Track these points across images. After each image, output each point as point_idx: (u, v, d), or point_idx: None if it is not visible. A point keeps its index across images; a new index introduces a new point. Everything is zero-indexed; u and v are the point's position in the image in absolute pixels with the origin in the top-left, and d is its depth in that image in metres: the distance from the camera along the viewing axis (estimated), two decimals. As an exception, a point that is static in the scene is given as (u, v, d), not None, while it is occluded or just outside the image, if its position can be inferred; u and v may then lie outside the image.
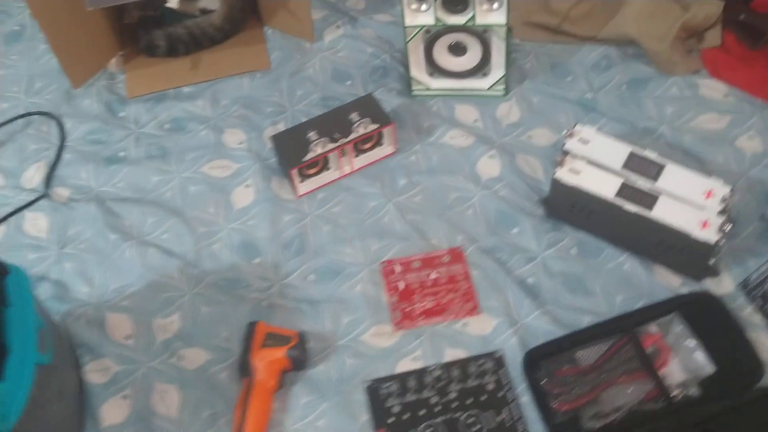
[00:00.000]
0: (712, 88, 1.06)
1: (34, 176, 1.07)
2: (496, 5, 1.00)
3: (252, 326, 0.87)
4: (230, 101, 1.14)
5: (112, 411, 0.85)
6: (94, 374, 0.88)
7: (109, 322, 0.92)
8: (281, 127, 1.10)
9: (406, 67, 1.13)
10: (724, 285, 0.89)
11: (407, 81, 1.13)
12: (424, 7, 1.02)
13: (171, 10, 1.17)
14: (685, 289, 0.89)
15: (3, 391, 0.67)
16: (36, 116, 1.14)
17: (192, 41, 1.17)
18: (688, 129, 1.03)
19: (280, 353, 0.85)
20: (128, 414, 0.84)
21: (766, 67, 1.04)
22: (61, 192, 1.05)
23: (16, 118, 1.14)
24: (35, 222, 1.02)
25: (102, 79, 1.18)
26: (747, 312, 0.87)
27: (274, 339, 0.86)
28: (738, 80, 1.05)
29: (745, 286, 0.88)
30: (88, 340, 0.90)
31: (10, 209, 1.03)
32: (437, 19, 1.02)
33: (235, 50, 1.20)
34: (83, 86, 1.17)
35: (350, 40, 1.20)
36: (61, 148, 1.10)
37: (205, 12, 1.19)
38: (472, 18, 1.01)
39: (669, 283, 0.90)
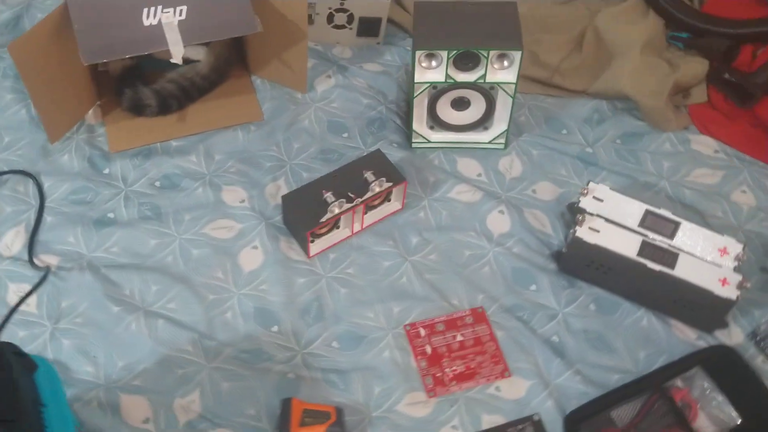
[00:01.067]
0: (703, 143, 1.13)
1: (13, 242, 0.98)
2: (506, 63, 1.02)
3: (288, 403, 0.83)
4: (225, 156, 1.10)
5: None
6: (111, 464, 0.81)
7: (124, 405, 0.85)
8: (282, 183, 1.07)
9: (402, 118, 1.13)
10: (734, 336, 0.95)
11: (405, 133, 1.13)
12: (434, 63, 1.02)
13: (149, 57, 1.10)
14: (702, 342, 0.94)
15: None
16: (9, 175, 1.05)
17: (183, 95, 1.11)
18: (685, 183, 1.09)
19: (320, 431, 0.82)
20: None
21: (751, 124, 1.12)
22: (47, 260, 0.97)
23: (-15, 177, 1.04)
24: (21, 295, 0.93)
25: (81, 133, 1.10)
26: (759, 361, 0.93)
27: (312, 416, 0.83)
28: (725, 137, 1.12)
29: (754, 336, 0.94)
30: (102, 427, 0.83)
31: (-11, 281, 0.94)
32: (447, 76, 1.03)
33: (224, 101, 1.15)
34: (60, 141, 1.09)
35: (343, 91, 1.19)
36: (41, 210, 1.01)
37: (188, 62, 1.14)
38: (483, 76, 1.03)
39: (686, 336, 0.95)
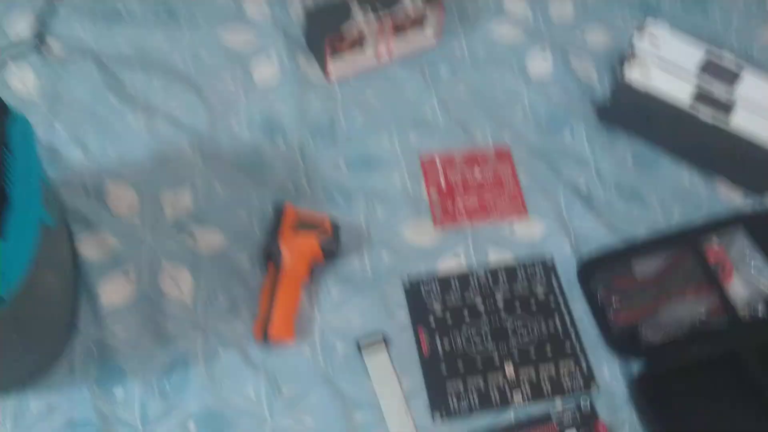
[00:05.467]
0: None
1: (20, 27, 0.94)
2: None
3: (280, 208, 0.78)
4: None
5: (112, 290, 0.75)
6: (90, 248, 0.77)
7: (110, 192, 0.81)
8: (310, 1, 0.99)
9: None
10: (786, 202, 0.85)
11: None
12: None
13: None
14: (747, 205, 0.85)
15: (4, 248, 0.57)
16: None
17: None
18: (754, 43, 0.97)
19: (312, 241, 0.77)
20: (132, 295, 0.75)
21: None
22: (53, 46, 0.92)
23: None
24: (22, 77, 0.89)
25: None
26: (812, 233, 0.83)
27: (306, 225, 0.78)
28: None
29: (810, 207, 0.84)
30: (85, 210, 0.79)
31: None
32: None
33: None
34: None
35: None
36: (52, -1, 0.96)
37: None
38: None
39: (730, 198, 0.86)
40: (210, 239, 0.79)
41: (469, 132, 0.90)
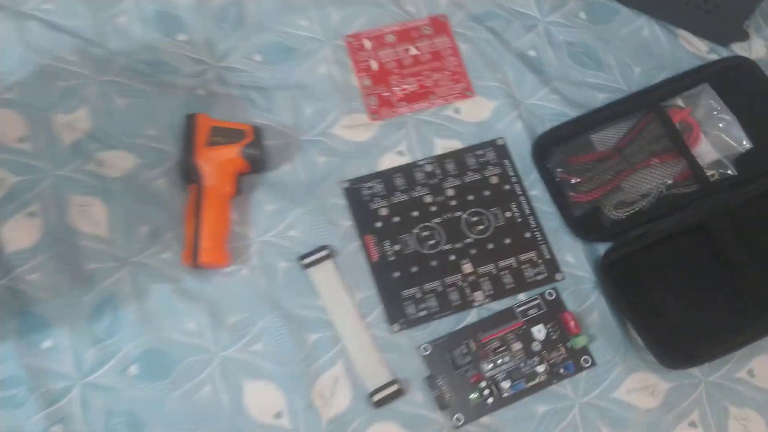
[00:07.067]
0: None
1: None
2: None
3: (191, 120, 0.71)
4: None
5: (16, 233, 0.69)
6: (-19, 188, 0.70)
7: (-6, 121, 0.72)
8: None
9: None
10: (754, 50, 0.81)
11: None
12: None
13: None
14: (713, 57, 0.80)
15: None
16: None
17: None
18: None
19: (232, 152, 0.70)
20: (40, 235, 0.69)
21: None
22: None
23: None
24: None
25: None
26: (783, 77, 0.79)
27: (223, 135, 0.71)
28: None
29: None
30: (-36, 145, 0.71)
31: None
32: None
33: None
34: None
35: None
36: None
37: None
38: None
39: (695, 49, 0.81)
40: (118, 163, 0.72)
41: (398, 2, 0.82)
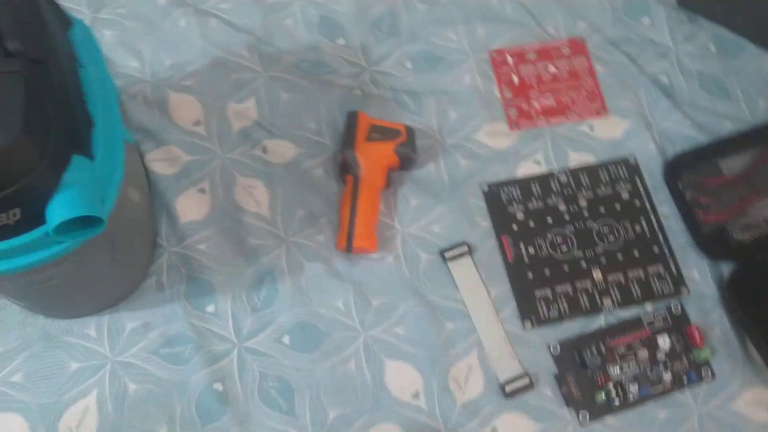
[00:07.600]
0: None
1: None
2: None
3: (354, 116, 0.78)
4: None
5: (189, 205, 0.76)
6: (159, 164, 0.78)
7: (173, 104, 0.80)
8: None
9: None
10: None
11: None
12: None
13: None
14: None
15: (97, 170, 0.56)
16: None
17: None
18: None
19: (388, 149, 0.77)
20: (208, 210, 0.76)
21: None
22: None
23: None
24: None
25: None
26: None
27: (381, 132, 0.77)
28: None
29: None
30: (148, 123, 0.79)
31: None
32: None
33: None
34: None
35: None
36: None
37: None
38: None
39: (820, 88, 0.85)
40: (281, 151, 0.79)
41: (540, 23, 0.88)
